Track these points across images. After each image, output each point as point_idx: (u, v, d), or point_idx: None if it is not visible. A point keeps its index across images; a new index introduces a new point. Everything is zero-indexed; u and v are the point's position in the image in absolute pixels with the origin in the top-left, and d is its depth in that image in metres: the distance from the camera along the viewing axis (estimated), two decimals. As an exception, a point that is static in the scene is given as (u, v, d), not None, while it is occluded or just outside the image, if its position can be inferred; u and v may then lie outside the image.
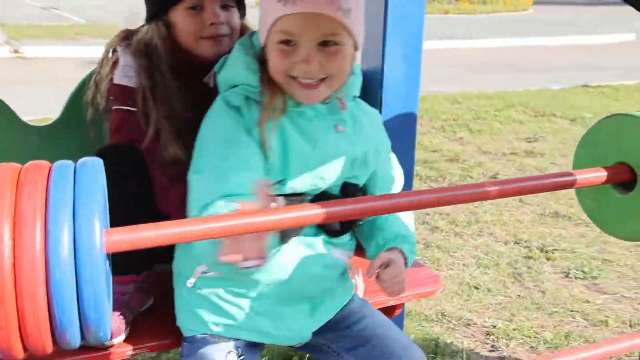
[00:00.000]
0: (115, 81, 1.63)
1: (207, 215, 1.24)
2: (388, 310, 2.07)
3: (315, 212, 0.99)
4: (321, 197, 1.44)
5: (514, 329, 2.68)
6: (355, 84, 1.51)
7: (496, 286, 3.06)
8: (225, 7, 1.64)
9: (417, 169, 4.73)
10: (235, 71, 1.43)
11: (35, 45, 9.67)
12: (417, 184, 4.41)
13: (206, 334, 1.48)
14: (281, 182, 1.41)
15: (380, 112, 2.16)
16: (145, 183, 1.58)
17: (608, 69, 9.76)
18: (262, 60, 1.41)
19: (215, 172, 1.33)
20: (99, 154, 1.66)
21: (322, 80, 1.38)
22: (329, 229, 1.48)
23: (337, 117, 1.46)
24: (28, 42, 9.93)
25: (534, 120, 6.54)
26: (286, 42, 1.35)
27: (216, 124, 1.41)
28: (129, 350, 1.53)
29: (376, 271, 1.42)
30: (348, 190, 1.50)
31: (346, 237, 1.53)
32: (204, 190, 1.31)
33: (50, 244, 0.72)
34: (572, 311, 2.83)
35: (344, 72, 1.41)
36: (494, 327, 2.70)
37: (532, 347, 2.56)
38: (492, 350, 2.56)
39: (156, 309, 1.70)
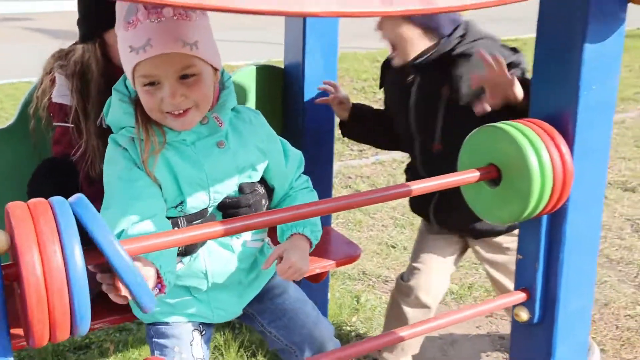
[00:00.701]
0: (54, 99, 1.85)
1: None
2: (314, 277, 2.39)
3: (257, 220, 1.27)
4: (225, 203, 1.65)
5: (426, 283, 3.05)
6: (229, 98, 1.65)
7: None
8: None
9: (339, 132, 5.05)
10: (116, 116, 1.61)
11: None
12: (339, 147, 4.71)
13: (163, 321, 1.75)
14: (181, 204, 1.61)
15: (302, 104, 2.44)
16: (72, 192, 1.79)
17: (519, 20, 10.20)
18: (137, 102, 1.59)
19: (119, 206, 1.51)
20: (40, 166, 1.90)
21: (190, 108, 1.55)
22: None
23: (218, 135, 1.62)
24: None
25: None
26: (150, 84, 1.52)
27: (111, 162, 1.60)
28: (94, 324, 1.80)
29: (269, 264, 1.66)
30: (245, 190, 1.67)
31: None
32: (114, 222, 1.47)
33: (67, 256, 1.01)
34: (475, 264, 3.22)
35: (208, 96, 1.57)
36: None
37: (441, 298, 2.94)
38: (407, 303, 2.93)
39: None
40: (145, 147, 1.55)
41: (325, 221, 2.55)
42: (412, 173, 2.22)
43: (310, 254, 2.23)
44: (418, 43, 2.02)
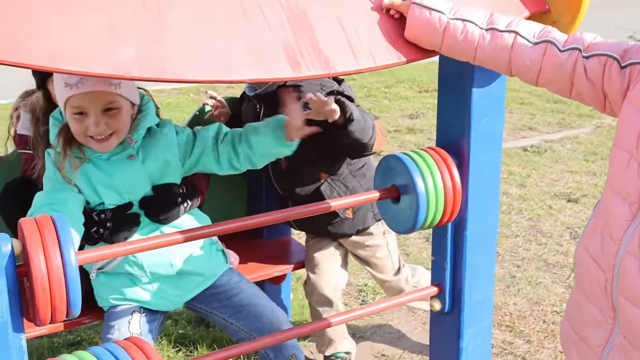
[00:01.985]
0: (18, 132, 2.32)
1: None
2: (274, 279, 2.75)
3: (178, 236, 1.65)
4: (144, 200, 2.02)
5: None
6: (143, 120, 2.01)
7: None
8: None
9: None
10: (52, 137, 2.01)
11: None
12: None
13: (115, 305, 2.12)
14: (102, 204, 1.99)
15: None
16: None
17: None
18: (64, 126, 1.97)
19: (39, 199, 1.91)
20: (6, 187, 2.31)
21: (111, 134, 1.92)
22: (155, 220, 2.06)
23: (129, 150, 1.99)
24: None
25: (418, 96, 7.32)
26: (79, 114, 1.89)
27: (46, 171, 2.01)
28: (83, 320, 2.19)
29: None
30: (163, 189, 2.03)
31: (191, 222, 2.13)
32: (32, 206, 1.89)
33: (64, 259, 1.37)
34: (427, 268, 3.59)
35: (125, 125, 1.95)
36: (365, 285, 3.44)
37: (393, 299, 3.32)
38: (362, 303, 3.31)
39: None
40: (62, 163, 1.94)
41: (287, 231, 2.92)
42: (270, 187, 2.57)
43: (270, 260, 2.64)
44: None
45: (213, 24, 1.36)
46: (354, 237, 2.61)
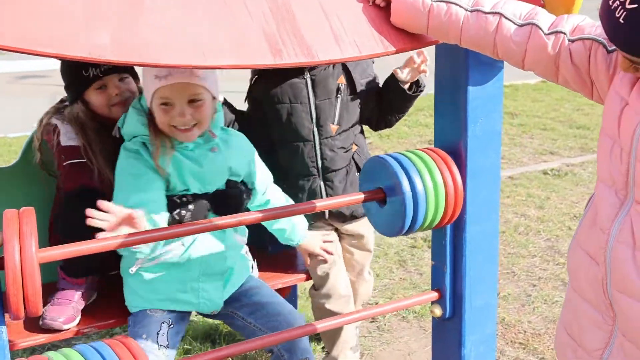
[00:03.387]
0: (63, 144, 2.21)
1: None
2: (280, 292, 2.72)
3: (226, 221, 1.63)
4: (216, 192, 2.10)
5: (392, 304, 3.37)
6: (220, 118, 2.12)
7: (384, 272, 3.75)
8: (122, 79, 2.27)
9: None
10: (133, 127, 2.05)
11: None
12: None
13: (146, 309, 2.11)
14: (187, 190, 2.06)
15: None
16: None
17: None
18: (150, 117, 2.04)
19: (123, 196, 1.96)
20: (69, 200, 2.19)
21: (194, 125, 2.00)
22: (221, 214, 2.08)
23: (211, 143, 2.08)
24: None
25: (438, 123, 7.29)
26: (165, 104, 1.97)
27: (122, 166, 2.05)
28: (83, 329, 2.14)
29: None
30: (230, 185, 2.13)
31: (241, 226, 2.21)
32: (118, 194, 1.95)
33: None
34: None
35: (207, 117, 2.03)
36: (376, 303, 3.38)
37: (404, 317, 3.25)
38: (372, 322, 3.24)
39: (100, 301, 2.30)
40: (157, 150, 2.01)
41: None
42: (306, 156, 2.52)
43: (275, 273, 2.61)
44: None
45: (192, 10, 1.36)
46: (353, 223, 2.61)
